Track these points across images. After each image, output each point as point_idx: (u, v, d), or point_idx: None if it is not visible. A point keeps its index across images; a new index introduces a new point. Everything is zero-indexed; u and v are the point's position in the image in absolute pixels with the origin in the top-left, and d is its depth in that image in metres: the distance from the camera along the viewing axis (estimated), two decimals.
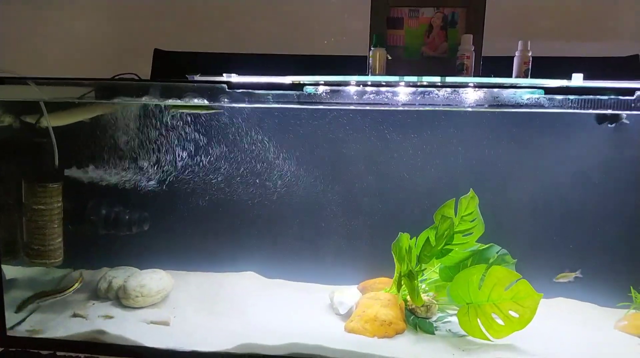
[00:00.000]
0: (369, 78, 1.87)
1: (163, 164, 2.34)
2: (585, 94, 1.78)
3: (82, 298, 2.28)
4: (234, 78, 2.16)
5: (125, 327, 2.06)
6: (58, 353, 1.99)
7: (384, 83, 1.71)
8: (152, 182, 2.35)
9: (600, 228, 2.32)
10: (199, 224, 2.50)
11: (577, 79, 2.01)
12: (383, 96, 1.78)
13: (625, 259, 2.29)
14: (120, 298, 2.22)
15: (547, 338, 2.03)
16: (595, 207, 2.31)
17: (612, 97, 1.75)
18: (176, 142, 2.36)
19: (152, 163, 2.32)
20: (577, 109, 1.79)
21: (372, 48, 1.95)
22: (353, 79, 1.77)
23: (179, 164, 2.37)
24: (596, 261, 2.31)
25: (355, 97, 1.80)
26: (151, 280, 2.24)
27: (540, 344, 1.98)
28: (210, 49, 2.47)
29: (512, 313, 1.96)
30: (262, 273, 2.54)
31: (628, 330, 2.09)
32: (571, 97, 1.84)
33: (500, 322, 1.97)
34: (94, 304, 2.23)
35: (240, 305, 2.27)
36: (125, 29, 2.66)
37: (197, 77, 2.17)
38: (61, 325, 2.08)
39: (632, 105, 1.74)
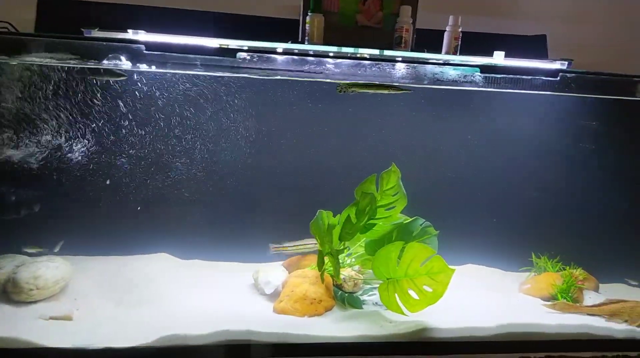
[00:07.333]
0: (309, 47, 1.73)
1: (57, 137, 2.00)
2: (515, 74, 1.84)
3: None
4: (143, 36, 1.89)
5: (19, 325, 1.76)
6: None
7: (331, 54, 1.59)
8: (43, 158, 1.99)
9: (504, 199, 2.49)
10: (98, 203, 2.21)
11: (499, 57, 2.08)
12: (324, 67, 1.66)
13: (526, 226, 2.49)
14: (9, 293, 1.88)
15: (461, 304, 2.12)
16: (502, 180, 2.47)
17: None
18: (70, 111, 2.03)
19: (44, 136, 1.96)
20: (509, 88, 1.84)
21: (309, 13, 1.80)
22: (295, 47, 1.63)
23: (75, 137, 2.05)
24: (500, 228, 2.49)
25: (294, 66, 1.66)
26: (47, 270, 1.93)
27: (456, 310, 2.07)
28: None
29: (426, 287, 2.00)
30: (176, 254, 2.34)
31: (531, 293, 2.29)
32: (498, 76, 1.89)
33: (415, 296, 2.02)
34: None
35: (154, 291, 2.06)
36: None
37: (96, 33, 1.85)
38: None
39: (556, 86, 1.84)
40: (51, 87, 1.97)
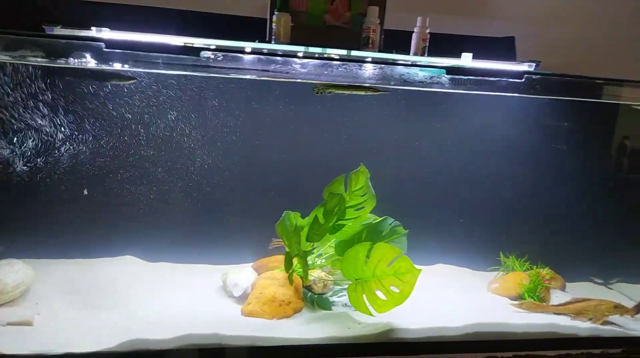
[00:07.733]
0: (275, 46, 1.71)
1: (19, 137, 1.94)
2: (483, 76, 1.84)
3: None
4: (106, 33, 1.84)
5: None
6: None
7: (300, 54, 1.57)
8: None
9: (473, 198, 2.51)
10: (61, 204, 2.15)
11: (467, 59, 2.08)
12: (290, 67, 1.64)
13: (495, 225, 2.51)
14: None
15: (429, 304, 2.13)
16: (471, 180, 2.48)
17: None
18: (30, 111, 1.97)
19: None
20: (475, 90, 1.85)
21: (275, 12, 1.78)
22: (261, 46, 1.60)
23: (37, 137, 1.99)
24: (470, 228, 2.51)
25: (260, 66, 1.64)
26: (7, 274, 1.87)
27: (425, 310, 2.07)
28: None
29: (393, 288, 1.99)
30: (142, 256, 2.29)
31: (500, 292, 2.31)
32: (464, 77, 1.89)
33: (382, 297, 2.01)
34: None
35: (119, 294, 2.02)
36: None
37: (58, 30, 1.80)
38: None
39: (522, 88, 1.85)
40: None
